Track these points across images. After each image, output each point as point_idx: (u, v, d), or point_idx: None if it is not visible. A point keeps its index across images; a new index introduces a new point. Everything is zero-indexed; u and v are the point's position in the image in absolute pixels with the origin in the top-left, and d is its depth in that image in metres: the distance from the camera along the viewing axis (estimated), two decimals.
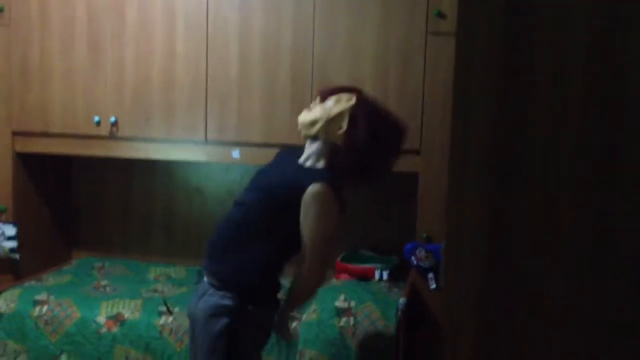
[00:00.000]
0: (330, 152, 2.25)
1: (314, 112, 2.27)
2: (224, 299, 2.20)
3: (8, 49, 3.33)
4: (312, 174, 2.21)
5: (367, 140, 2.21)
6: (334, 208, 2.19)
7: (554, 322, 1.24)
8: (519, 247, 1.27)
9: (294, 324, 2.77)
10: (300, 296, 2.33)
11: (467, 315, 1.28)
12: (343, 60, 2.99)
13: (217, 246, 2.32)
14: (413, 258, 2.91)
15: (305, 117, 2.29)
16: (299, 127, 2.32)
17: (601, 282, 1.23)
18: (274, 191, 2.26)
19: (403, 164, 2.54)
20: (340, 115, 2.23)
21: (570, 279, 1.24)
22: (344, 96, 2.28)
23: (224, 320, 2.18)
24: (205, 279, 2.30)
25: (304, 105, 3.00)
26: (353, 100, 2.26)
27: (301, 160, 2.31)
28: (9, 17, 3.30)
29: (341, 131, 2.22)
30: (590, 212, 1.24)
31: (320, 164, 2.27)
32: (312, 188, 2.15)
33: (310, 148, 2.30)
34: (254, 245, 2.24)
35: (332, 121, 2.23)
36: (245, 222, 2.27)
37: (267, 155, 3.09)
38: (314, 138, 2.28)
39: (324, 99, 2.31)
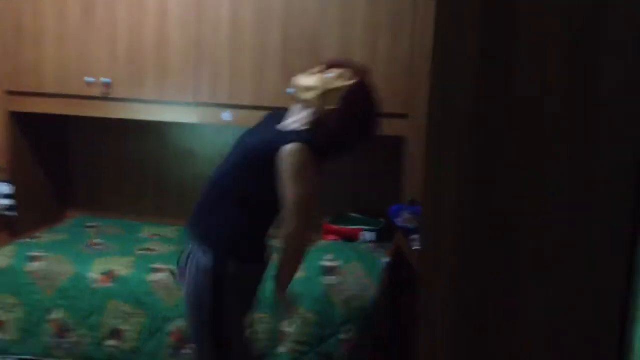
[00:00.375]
0: (316, 121, 2.24)
1: (313, 79, 2.24)
2: (206, 254, 2.23)
3: (1, 9, 3.34)
4: (290, 136, 2.19)
5: (347, 122, 2.21)
6: (311, 166, 2.16)
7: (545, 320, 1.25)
8: (503, 225, 1.27)
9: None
10: (285, 260, 2.27)
11: (441, 311, 1.30)
12: (333, 24, 3.02)
13: (198, 207, 2.36)
14: (398, 219, 2.98)
15: (302, 80, 2.25)
16: (293, 88, 2.27)
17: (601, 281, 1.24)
18: (251, 152, 2.26)
19: (390, 129, 2.58)
20: (336, 90, 2.21)
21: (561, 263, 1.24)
22: (348, 73, 2.25)
23: (207, 275, 2.22)
24: (189, 239, 2.33)
25: (294, 68, 3.04)
26: (354, 81, 2.23)
27: (284, 123, 2.30)
28: None
29: (331, 106, 2.21)
30: (572, 175, 1.25)
31: (303, 129, 2.25)
32: (288, 146, 2.14)
33: (297, 113, 2.28)
34: (228, 208, 2.25)
35: (327, 94, 2.21)
36: (221, 184, 2.29)
37: (258, 118, 3.13)
38: (304, 103, 2.26)
39: (329, 68, 2.27)
